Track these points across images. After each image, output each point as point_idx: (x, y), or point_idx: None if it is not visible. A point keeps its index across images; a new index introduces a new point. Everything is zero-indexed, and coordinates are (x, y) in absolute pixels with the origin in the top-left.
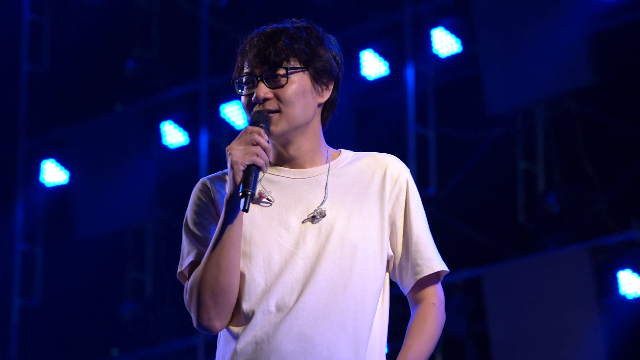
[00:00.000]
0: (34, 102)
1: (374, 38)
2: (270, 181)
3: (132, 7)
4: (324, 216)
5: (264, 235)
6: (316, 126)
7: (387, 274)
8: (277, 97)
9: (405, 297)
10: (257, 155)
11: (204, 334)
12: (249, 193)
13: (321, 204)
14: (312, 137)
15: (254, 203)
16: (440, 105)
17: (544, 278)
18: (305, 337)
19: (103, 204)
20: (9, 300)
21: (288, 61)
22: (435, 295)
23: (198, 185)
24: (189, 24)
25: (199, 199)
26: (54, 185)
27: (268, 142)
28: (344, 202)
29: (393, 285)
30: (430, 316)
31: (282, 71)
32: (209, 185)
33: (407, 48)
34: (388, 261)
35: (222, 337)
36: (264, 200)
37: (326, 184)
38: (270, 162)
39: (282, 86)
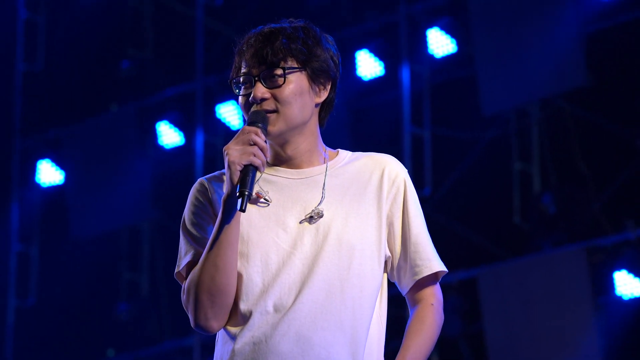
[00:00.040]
0: (29, 101)
1: (370, 38)
2: (268, 181)
3: (127, 7)
4: (321, 216)
5: (261, 236)
6: (314, 126)
7: (385, 274)
8: (275, 97)
9: (401, 298)
10: (255, 155)
11: (200, 334)
12: (246, 193)
13: (319, 204)
14: (310, 137)
15: (251, 203)
16: (435, 105)
17: (539, 279)
18: (303, 337)
19: (98, 204)
20: (5, 301)
21: (285, 61)
22: (433, 296)
23: (196, 185)
24: (184, 23)
25: (196, 199)
26: (50, 185)
27: (265, 142)
28: (341, 202)
29: (391, 285)
30: (429, 317)
31: (279, 71)
32: (207, 185)
33: (402, 48)
34: (386, 262)
35: (220, 337)
36: (262, 200)
37: (324, 184)
38: (267, 162)
39: (280, 86)
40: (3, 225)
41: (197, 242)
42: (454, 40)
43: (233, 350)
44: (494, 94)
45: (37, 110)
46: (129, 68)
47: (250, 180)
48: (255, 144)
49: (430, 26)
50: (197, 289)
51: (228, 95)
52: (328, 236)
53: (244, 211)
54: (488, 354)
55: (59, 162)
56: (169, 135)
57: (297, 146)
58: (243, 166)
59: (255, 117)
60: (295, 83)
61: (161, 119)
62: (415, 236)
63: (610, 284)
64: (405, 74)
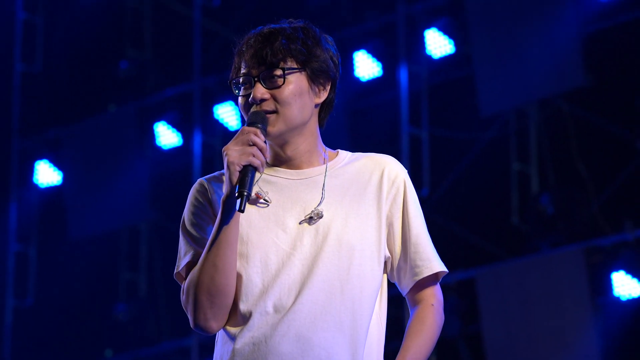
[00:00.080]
0: (27, 102)
1: (367, 39)
2: (268, 182)
3: (125, 7)
4: (321, 217)
5: (260, 236)
6: (313, 127)
7: (385, 275)
8: (274, 98)
9: (401, 298)
10: (254, 156)
11: (198, 334)
12: (245, 194)
13: (318, 205)
14: (309, 138)
15: (251, 204)
16: (433, 106)
17: (537, 279)
18: (303, 338)
19: (97, 204)
20: (3, 301)
21: (285, 62)
22: (433, 297)
23: (195, 186)
24: (181, 24)
25: (196, 199)
26: (48, 186)
27: (265, 142)
28: (341, 203)
29: (391, 285)
30: (429, 317)
31: (279, 72)
32: (206, 186)
33: (400, 49)
34: (386, 262)
35: (220, 337)
36: (261, 201)
37: (323, 185)
38: (267, 162)
39: (279, 87)
40: (1, 225)
41: (196, 243)
42: (452, 41)
43: (233, 351)
44: (492, 95)
45: (35, 111)
46: (127, 69)
47: (249, 180)
48: (254, 144)
49: (428, 27)
50: (197, 290)
51: (226, 95)
52: (328, 237)
53: (243, 212)
54: (486, 355)
55: (57, 163)
56: (167, 136)
57: (296, 147)
58: (242, 167)
59: (255, 117)
60: (294, 83)
61: (159, 120)
62: (415, 237)
63: (608, 285)
64: (403, 75)
